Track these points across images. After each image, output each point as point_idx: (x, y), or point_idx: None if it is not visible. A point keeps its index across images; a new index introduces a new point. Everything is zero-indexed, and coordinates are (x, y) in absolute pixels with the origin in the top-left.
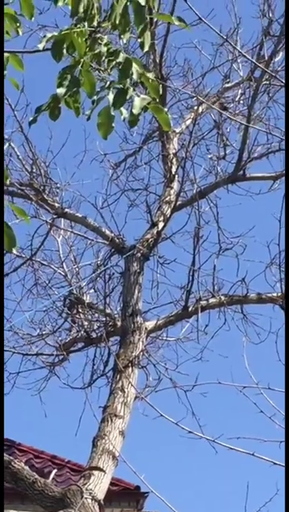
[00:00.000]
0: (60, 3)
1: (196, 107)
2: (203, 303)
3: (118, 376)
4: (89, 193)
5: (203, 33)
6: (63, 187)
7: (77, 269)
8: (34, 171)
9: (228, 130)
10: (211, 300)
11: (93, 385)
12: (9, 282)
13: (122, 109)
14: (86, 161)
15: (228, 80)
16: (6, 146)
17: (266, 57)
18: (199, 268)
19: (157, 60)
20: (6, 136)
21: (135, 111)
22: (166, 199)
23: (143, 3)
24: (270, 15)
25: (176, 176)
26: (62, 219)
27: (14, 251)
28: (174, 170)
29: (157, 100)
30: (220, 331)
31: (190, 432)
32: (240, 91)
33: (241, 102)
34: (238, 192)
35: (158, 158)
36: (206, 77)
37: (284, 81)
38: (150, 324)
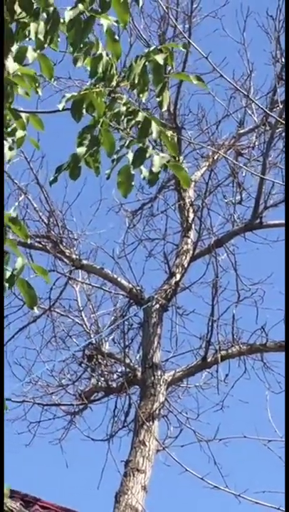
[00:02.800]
0: (79, 64)
1: (211, 155)
2: (223, 353)
3: (139, 429)
4: (106, 242)
5: (216, 79)
6: (80, 237)
7: (95, 319)
8: (51, 221)
9: (244, 175)
10: (231, 349)
11: (114, 436)
12: (28, 333)
13: (141, 167)
14: (102, 210)
15: (242, 126)
16: (21, 198)
17: (279, 103)
18: (218, 318)
19: (171, 110)
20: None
21: (155, 169)
22: (184, 249)
23: (161, 63)
24: (282, 60)
25: (193, 224)
26: (80, 270)
27: (35, 309)
28: (190, 218)
29: (176, 158)
30: (240, 379)
31: (215, 486)
32: (254, 136)
33: (256, 147)
34: (255, 240)
35: (174, 207)
36: (220, 124)
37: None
38: (170, 376)
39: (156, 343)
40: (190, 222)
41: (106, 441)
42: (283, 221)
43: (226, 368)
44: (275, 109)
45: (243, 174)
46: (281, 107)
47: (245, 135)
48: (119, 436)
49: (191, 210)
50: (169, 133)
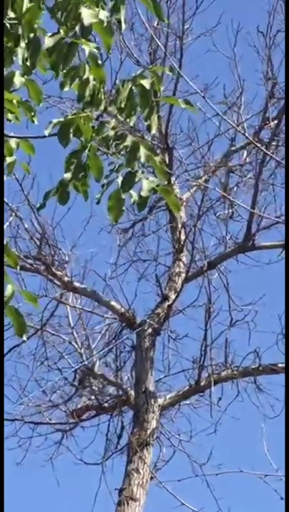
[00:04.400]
0: (66, 88)
1: (202, 174)
2: (216, 376)
3: (132, 456)
4: (97, 262)
5: (208, 97)
6: (71, 256)
7: (87, 340)
8: (42, 242)
9: (236, 192)
10: (224, 373)
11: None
12: (19, 353)
13: (131, 191)
14: (93, 228)
15: (233, 144)
16: (11, 218)
17: (270, 120)
18: (212, 343)
19: (163, 129)
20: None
21: (144, 194)
22: (176, 271)
23: (148, 87)
24: (274, 78)
25: (185, 246)
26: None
27: (24, 337)
28: (182, 240)
29: (165, 182)
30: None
31: None
32: (245, 154)
33: (248, 165)
34: (247, 261)
35: (166, 227)
36: (212, 144)
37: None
38: (163, 400)
39: (148, 367)
40: (182, 243)
41: (99, 464)
42: (276, 243)
43: (218, 391)
44: (266, 127)
45: (235, 190)
46: (272, 124)
47: (236, 152)
48: (112, 458)
49: (182, 231)
50: (158, 158)
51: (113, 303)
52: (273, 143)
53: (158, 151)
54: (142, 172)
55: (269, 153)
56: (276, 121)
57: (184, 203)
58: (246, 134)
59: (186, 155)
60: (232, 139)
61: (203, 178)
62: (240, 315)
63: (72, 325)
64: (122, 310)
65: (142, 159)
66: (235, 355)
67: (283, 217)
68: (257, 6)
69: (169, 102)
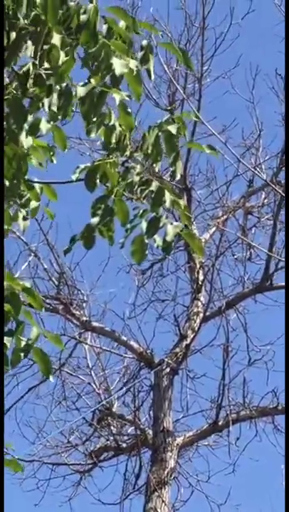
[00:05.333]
0: (92, 135)
1: (220, 215)
2: (234, 416)
3: (151, 495)
4: (115, 302)
5: (226, 139)
6: (89, 296)
7: (105, 378)
8: (61, 282)
9: (254, 232)
10: (242, 413)
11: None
12: (37, 393)
13: (155, 236)
14: (112, 269)
15: (252, 186)
16: (31, 258)
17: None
18: (230, 382)
19: (182, 171)
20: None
21: (169, 238)
22: (194, 311)
23: (174, 133)
24: None
25: (203, 286)
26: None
27: (51, 378)
28: (200, 280)
29: (189, 228)
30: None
31: None
32: (263, 195)
33: (266, 206)
34: (265, 301)
35: (184, 267)
36: (230, 185)
37: None
38: (181, 439)
39: (166, 406)
40: (200, 283)
41: (117, 504)
42: None
43: (236, 431)
44: (284, 169)
45: (253, 232)
46: None
47: (254, 194)
48: (130, 498)
49: (200, 271)
50: (182, 202)
51: (131, 342)
52: None
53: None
54: (166, 217)
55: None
56: None
57: (203, 244)
58: (264, 176)
59: (205, 196)
60: (250, 180)
61: (222, 218)
62: (258, 355)
63: (90, 365)
64: (141, 349)
65: (168, 204)
66: (253, 395)
67: None
68: (275, 48)
69: (194, 147)
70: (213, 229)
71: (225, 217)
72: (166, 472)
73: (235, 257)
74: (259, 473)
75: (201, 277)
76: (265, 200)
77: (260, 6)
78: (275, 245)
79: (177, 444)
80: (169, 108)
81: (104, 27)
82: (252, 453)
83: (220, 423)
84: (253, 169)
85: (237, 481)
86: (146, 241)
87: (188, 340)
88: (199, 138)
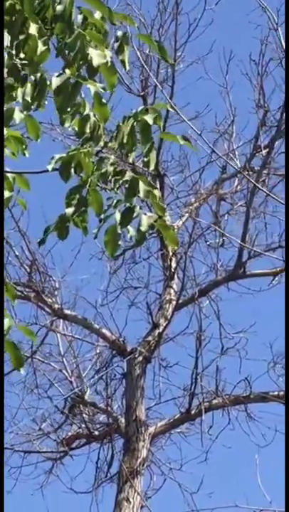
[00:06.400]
0: (66, 125)
1: (193, 202)
2: (206, 404)
3: (123, 486)
4: (88, 289)
5: (199, 124)
6: (61, 283)
7: (77, 368)
8: (33, 269)
9: (227, 219)
10: (214, 401)
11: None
12: (9, 380)
13: (128, 226)
14: (84, 255)
15: (225, 171)
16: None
17: (262, 148)
18: (202, 371)
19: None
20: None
21: (142, 229)
22: (167, 298)
23: (150, 123)
24: (265, 106)
25: (176, 273)
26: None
27: (22, 370)
28: (173, 267)
29: (163, 218)
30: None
31: None
32: (236, 181)
33: (239, 192)
34: (238, 289)
35: (157, 255)
36: (203, 170)
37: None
38: (154, 429)
39: (139, 395)
40: (173, 270)
41: (89, 493)
42: (267, 270)
43: (209, 419)
44: (257, 155)
45: (226, 219)
46: (264, 152)
47: (227, 180)
48: (102, 487)
49: (173, 258)
50: (157, 192)
51: (104, 330)
52: (264, 171)
53: (149, 178)
54: (140, 207)
55: (258, 185)
56: (267, 150)
57: (175, 230)
58: (237, 162)
59: (178, 182)
60: (223, 166)
61: (194, 205)
62: (231, 342)
63: (62, 353)
64: (113, 338)
65: (142, 195)
66: (226, 384)
67: (274, 245)
68: (249, 35)
69: (168, 138)
70: (186, 215)
71: (198, 204)
72: (138, 462)
73: (208, 243)
74: (232, 461)
75: (173, 265)
76: (238, 187)
77: None
78: (248, 233)
79: (150, 434)
80: (142, 94)
81: (80, 17)
82: (225, 441)
83: (192, 412)
84: (225, 157)
85: (210, 470)
86: (120, 231)
87: (161, 328)
88: (172, 124)
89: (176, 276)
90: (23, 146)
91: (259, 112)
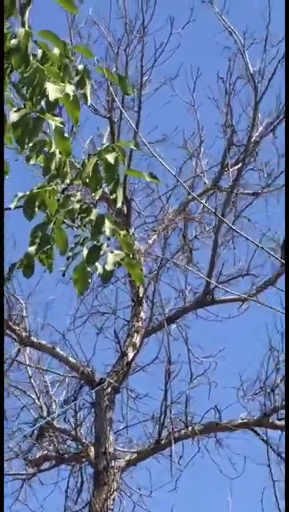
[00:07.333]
0: (32, 162)
1: (161, 225)
2: (176, 434)
3: None
4: (55, 312)
5: (167, 148)
6: (28, 309)
7: (47, 393)
8: None
9: (194, 242)
10: (184, 431)
11: None
12: None
13: (96, 263)
14: (52, 277)
15: (192, 190)
16: None
17: (229, 166)
18: (172, 404)
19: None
20: None
21: (108, 267)
22: (135, 326)
23: (112, 162)
24: (232, 125)
25: (144, 300)
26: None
27: None
28: (141, 293)
29: (131, 255)
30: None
31: None
32: (204, 200)
33: (206, 213)
34: (206, 316)
35: (124, 280)
36: (170, 196)
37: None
38: (123, 463)
39: (107, 427)
40: (141, 296)
41: None
42: (235, 297)
43: (179, 448)
44: (225, 173)
45: (194, 235)
46: (232, 169)
47: (195, 200)
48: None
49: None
50: (123, 232)
51: (71, 359)
52: (234, 190)
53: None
54: (107, 245)
55: (223, 218)
56: (237, 167)
57: (143, 255)
58: (206, 181)
59: (145, 205)
60: (190, 186)
61: (161, 228)
62: (200, 368)
63: (30, 378)
64: (81, 368)
65: (107, 233)
66: (195, 414)
67: (242, 272)
68: (217, 55)
69: (134, 175)
70: (154, 237)
71: (165, 226)
72: (108, 496)
73: (178, 265)
74: (202, 489)
75: (141, 290)
76: (206, 209)
77: (200, 15)
78: (218, 259)
79: (119, 467)
80: (108, 116)
81: (40, 51)
82: (195, 469)
83: (162, 442)
84: (193, 177)
85: (179, 497)
86: (89, 269)
87: (130, 357)
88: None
89: (144, 302)
90: None
91: (226, 132)
